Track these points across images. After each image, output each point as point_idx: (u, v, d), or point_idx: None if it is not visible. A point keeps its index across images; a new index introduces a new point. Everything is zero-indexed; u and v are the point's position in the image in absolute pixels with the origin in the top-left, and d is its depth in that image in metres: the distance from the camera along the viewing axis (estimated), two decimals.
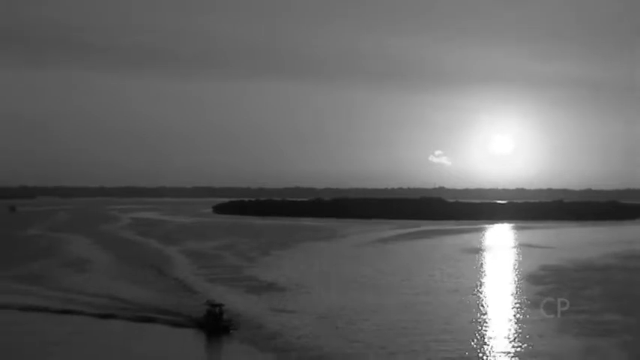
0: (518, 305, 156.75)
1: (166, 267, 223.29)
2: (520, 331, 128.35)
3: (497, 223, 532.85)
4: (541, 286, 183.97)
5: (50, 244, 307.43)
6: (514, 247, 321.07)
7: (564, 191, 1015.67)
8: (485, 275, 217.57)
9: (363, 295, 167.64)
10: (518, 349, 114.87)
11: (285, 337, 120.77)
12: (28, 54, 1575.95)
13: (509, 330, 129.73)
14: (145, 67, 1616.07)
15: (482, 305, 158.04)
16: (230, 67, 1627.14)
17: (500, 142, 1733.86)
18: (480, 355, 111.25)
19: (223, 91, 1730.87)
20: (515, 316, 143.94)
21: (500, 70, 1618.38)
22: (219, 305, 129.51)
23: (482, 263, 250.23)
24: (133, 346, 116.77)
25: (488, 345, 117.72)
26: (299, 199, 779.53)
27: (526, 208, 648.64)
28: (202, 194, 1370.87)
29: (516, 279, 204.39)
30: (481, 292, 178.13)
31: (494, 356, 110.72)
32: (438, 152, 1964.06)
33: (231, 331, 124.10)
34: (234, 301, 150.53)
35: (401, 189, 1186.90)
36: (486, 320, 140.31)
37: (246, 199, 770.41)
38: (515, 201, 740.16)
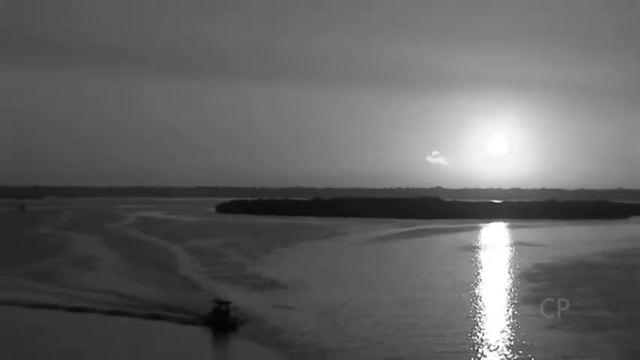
0: (513, 301, 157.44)
1: (171, 264, 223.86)
2: (514, 326, 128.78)
3: (492, 222, 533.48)
4: (535, 283, 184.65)
5: (58, 242, 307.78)
6: (509, 245, 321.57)
7: (558, 191, 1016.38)
8: (481, 272, 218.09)
9: (363, 292, 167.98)
10: (513, 343, 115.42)
11: (287, 333, 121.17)
12: (40, 57, 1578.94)
13: (505, 325, 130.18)
14: (152, 70, 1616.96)
15: (479, 302, 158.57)
16: (233, 70, 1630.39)
17: (496, 143, 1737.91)
18: (478, 349, 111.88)
19: (226, 94, 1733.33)
20: (509, 312, 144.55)
21: (495, 74, 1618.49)
22: (226, 303, 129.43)
23: (478, 261, 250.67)
24: (142, 344, 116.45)
25: (484, 339, 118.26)
26: (300, 199, 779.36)
27: (520, 207, 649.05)
28: (206, 194, 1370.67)
29: (511, 276, 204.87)
30: (477, 289, 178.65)
31: (490, 350, 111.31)
32: (435, 153, 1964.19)
33: (237, 328, 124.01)
34: (238, 298, 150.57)
35: (399, 189, 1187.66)
36: (483, 316, 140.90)
37: (249, 199, 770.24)
38: (510, 200, 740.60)
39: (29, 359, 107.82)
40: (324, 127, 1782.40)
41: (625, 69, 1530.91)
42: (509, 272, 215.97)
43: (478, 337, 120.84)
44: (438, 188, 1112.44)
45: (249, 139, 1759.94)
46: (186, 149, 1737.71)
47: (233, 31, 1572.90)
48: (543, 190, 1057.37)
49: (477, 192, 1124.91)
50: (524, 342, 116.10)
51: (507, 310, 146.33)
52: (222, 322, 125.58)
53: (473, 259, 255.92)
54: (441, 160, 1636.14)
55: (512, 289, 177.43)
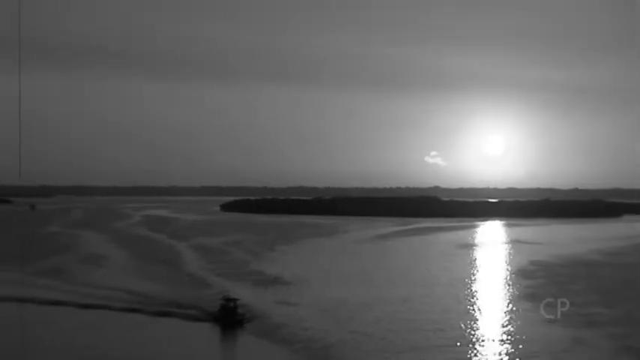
0: (509, 298, 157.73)
1: (178, 262, 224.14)
2: (511, 321, 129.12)
3: (489, 220, 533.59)
4: (530, 280, 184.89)
5: (68, 240, 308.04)
6: (505, 243, 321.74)
7: (552, 190, 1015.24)
8: (478, 270, 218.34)
9: (364, 288, 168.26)
10: (510, 337, 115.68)
11: (291, 328, 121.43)
12: (49, 61, 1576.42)
13: (502, 320, 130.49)
14: (157, 73, 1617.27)
15: (477, 298, 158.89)
16: (234, 71, 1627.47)
17: (492, 143, 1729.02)
18: (476, 343, 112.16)
19: (227, 94, 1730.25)
20: (506, 307, 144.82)
21: (492, 76, 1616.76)
22: (234, 300, 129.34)
23: (475, 258, 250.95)
24: (152, 340, 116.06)
25: (482, 334, 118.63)
26: (302, 198, 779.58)
27: (516, 206, 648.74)
28: (210, 193, 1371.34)
29: (507, 273, 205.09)
30: (475, 286, 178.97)
31: (488, 344, 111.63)
32: (433, 153, 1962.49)
33: (245, 325, 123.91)
34: (242, 295, 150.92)
35: (399, 188, 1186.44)
36: (480, 312, 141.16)
37: (252, 198, 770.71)
38: (506, 200, 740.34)
39: (42, 355, 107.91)
40: (325, 127, 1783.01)
41: (620, 71, 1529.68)
42: (505, 269, 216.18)
43: (476, 331, 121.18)
44: (436, 188, 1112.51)
45: (249, 139, 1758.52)
46: (191, 150, 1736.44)
47: (233, 32, 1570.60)
48: (538, 190, 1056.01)
49: (473, 191, 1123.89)
50: (520, 337, 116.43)
51: (504, 306, 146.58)
52: (230, 318, 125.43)
53: (470, 256, 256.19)
54: (439, 161, 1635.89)
55: (509, 286, 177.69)
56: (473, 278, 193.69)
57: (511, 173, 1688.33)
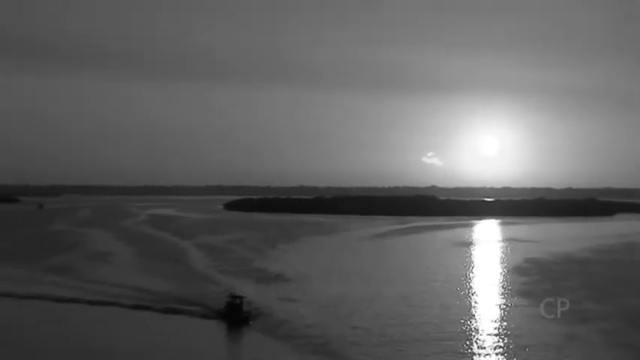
0: (505, 294, 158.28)
1: (183, 259, 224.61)
2: (506, 317, 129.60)
3: (485, 219, 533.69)
4: (525, 277, 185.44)
5: (76, 238, 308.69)
6: (500, 241, 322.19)
7: (547, 190, 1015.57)
8: (475, 267, 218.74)
9: (364, 285, 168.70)
10: (505, 332, 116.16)
11: (293, 324, 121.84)
12: (49, 61, 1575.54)
13: (497, 316, 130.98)
14: (157, 73, 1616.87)
15: (473, 294, 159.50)
16: (234, 71, 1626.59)
17: (488, 144, 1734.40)
18: (472, 337, 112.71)
19: (227, 95, 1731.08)
20: (502, 303, 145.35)
21: (488, 78, 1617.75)
22: (240, 297, 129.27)
23: (472, 256, 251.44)
24: (160, 337, 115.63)
25: (478, 329, 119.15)
26: (303, 197, 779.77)
27: (511, 205, 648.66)
28: (214, 192, 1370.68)
29: (503, 270, 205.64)
30: (472, 282, 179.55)
31: (484, 338, 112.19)
32: (430, 154, 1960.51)
33: (250, 322, 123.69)
34: (246, 291, 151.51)
35: (397, 187, 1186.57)
36: (477, 308, 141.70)
37: (255, 197, 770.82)
38: (501, 199, 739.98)
39: (53, 352, 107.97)
40: (325, 127, 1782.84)
41: (614, 73, 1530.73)
42: (501, 266, 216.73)
43: (472, 327, 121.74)
44: (434, 187, 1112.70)
45: (249, 139, 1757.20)
46: (187, 149, 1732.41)
47: (233, 32, 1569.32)
48: (533, 189, 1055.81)
49: (470, 191, 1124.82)
50: (515, 331, 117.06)
51: (500, 302, 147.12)
52: (235, 315, 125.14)
53: (467, 254, 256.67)
54: (436, 161, 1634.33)
55: (504, 282, 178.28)
56: (469, 275, 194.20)
57: (506, 173, 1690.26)
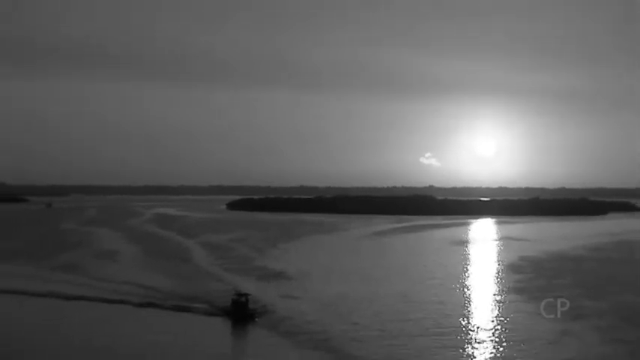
0: (501, 291, 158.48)
1: (188, 257, 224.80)
2: (502, 313, 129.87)
3: (481, 218, 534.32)
4: (520, 275, 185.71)
5: (83, 237, 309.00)
6: (496, 239, 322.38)
7: (541, 189, 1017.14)
8: (471, 265, 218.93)
9: (363, 283, 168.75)
10: (501, 328, 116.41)
11: (294, 321, 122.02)
12: (49, 61, 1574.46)
13: (493, 312, 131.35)
14: (157, 73, 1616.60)
15: (470, 291, 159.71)
16: (234, 72, 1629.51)
17: (484, 145, 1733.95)
18: (469, 334, 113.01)
19: (227, 95, 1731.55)
20: (498, 300, 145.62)
21: (485, 81, 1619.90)
22: (246, 295, 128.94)
23: (468, 254, 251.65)
24: (165, 334, 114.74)
25: (475, 326, 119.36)
26: (303, 197, 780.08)
27: (507, 205, 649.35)
28: (217, 192, 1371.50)
29: (499, 268, 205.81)
30: (469, 280, 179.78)
31: (480, 333, 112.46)
32: (428, 154, 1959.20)
33: (256, 319, 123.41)
34: (248, 289, 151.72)
35: (395, 187, 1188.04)
36: (473, 304, 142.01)
37: (256, 197, 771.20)
38: (497, 198, 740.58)
39: (61, 349, 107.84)
40: (325, 127, 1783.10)
41: (608, 76, 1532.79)
42: (497, 264, 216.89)
43: (469, 323, 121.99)
44: (431, 187, 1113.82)
45: (249, 139, 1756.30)
46: (187, 149, 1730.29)
47: (233, 32, 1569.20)
48: (528, 189, 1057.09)
49: (466, 190, 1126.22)
50: (510, 327, 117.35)
51: (496, 299, 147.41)
52: (241, 313, 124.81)
53: (464, 252, 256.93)
54: (434, 161, 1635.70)
55: (500, 280, 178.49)
56: (466, 273, 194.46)
57: (502, 173, 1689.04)
